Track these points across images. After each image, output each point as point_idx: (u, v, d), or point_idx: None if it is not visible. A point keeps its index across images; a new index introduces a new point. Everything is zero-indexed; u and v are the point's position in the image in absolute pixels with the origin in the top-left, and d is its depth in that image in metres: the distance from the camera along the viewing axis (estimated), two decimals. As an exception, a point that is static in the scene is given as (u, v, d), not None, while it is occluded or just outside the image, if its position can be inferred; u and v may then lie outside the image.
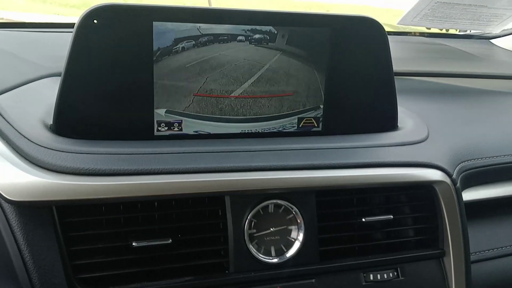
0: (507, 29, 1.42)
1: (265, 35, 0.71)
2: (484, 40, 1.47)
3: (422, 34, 1.45)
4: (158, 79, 0.68)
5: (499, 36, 1.44)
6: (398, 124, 0.82)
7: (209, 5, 1.40)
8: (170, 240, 0.63)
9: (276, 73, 0.73)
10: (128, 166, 0.62)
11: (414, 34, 1.46)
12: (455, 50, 1.33)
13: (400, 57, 1.22)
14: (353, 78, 0.76)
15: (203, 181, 0.63)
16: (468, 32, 1.51)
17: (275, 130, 0.75)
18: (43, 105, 0.71)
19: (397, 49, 1.28)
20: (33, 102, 0.74)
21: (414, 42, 1.39)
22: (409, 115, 0.87)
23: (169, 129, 0.70)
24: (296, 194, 0.68)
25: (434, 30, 1.45)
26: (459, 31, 1.52)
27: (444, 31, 1.52)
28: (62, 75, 0.64)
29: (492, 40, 1.46)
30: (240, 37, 0.71)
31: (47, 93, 0.73)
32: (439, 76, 1.19)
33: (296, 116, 0.76)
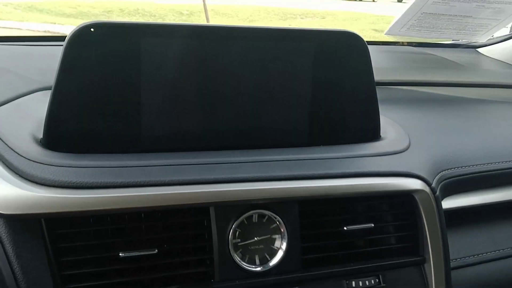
0: (493, 38, 1.45)
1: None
2: (471, 49, 1.49)
3: (410, 43, 1.48)
4: (146, 94, 0.70)
5: (486, 45, 1.47)
6: (380, 134, 0.84)
7: (206, 21, 1.42)
8: (156, 250, 0.65)
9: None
10: (115, 179, 0.64)
11: (402, 43, 1.49)
12: (441, 59, 1.36)
13: (387, 66, 1.25)
14: (336, 91, 0.79)
15: (188, 193, 0.65)
16: (455, 41, 1.53)
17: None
18: (34, 120, 0.73)
19: (385, 59, 1.31)
20: (24, 117, 0.76)
21: (402, 52, 1.41)
22: (392, 124, 0.89)
23: (156, 142, 0.72)
24: (280, 204, 0.70)
25: (422, 40, 1.48)
26: (452, 41, 1.55)
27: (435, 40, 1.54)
28: (52, 90, 0.66)
29: (479, 49, 1.48)
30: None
31: (38, 107, 0.75)
32: (424, 85, 1.21)
33: (281, 128, 0.78)
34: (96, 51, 0.67)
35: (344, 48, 0.78)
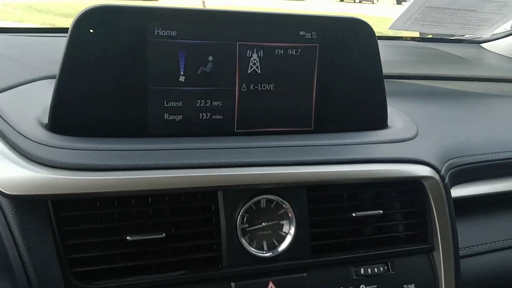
0: (497, 34, 1.45)
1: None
2: (474, 44, 1.49)
3: (413, 38, 1.48)
4: (152, 79, 0.69)
5: (489, 40, 1.47)
6: (388, 123, 0.84)
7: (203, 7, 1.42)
8: (164, 234, 0.64)
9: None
10: (122, 162, 0.63)
11: (406, 38, 1.48)
12: (445, 53, 1.35)
13: (392, 60, 1.24)
14: (344, 78, 0.78)
15: (196, 176, 0.65)
16: (459, 36, 1.53)
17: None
18: (39, 105, 0.72)
19: (389, 53, 1.31)
20: (29, 102, 0.75)
21: (406, 46, 1.41)
22: (399, 114, 0.89)
23: (163, 127, 0.71)
24: (288, 189, 0.70)
25: (425, 35, 1.47)
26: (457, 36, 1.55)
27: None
28: (58, 73, 0.65)
29: (482, 44, 1.48)
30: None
31: (43, 94, 0.75)
32: (429, 79, 1.21)
33: (288, 115, 0.77)
34: (101, 35, 0.66)
35: (351, 35, 0.77)
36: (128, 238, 0.63)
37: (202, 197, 0.67)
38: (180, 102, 0.72)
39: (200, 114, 0.73)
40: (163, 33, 0.69)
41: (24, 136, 0.64)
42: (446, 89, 1.18)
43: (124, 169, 0.62)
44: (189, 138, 0.71)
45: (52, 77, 0.80)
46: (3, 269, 0.59)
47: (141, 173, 0.63)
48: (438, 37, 1.53)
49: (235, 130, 0.75)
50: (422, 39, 1.47)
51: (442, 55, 1.35)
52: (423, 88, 1.17)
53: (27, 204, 0.60)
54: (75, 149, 0.63)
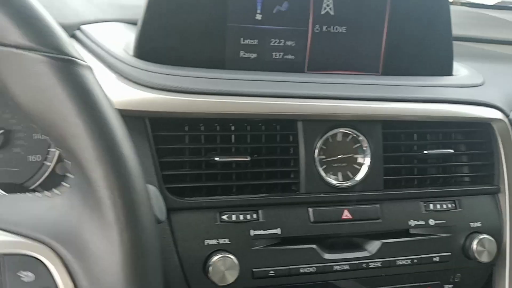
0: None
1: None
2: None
3: (464, 4, 1.46)
4: (231, 15, 0.72)
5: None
6: (453, 73, 0.85)
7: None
8: (249, 158, 0.67)
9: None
10: (210, 87, 0.66)
11: (456, 3, 1.47)
12: (500, 19, 1.34)
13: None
14: (413, 23, 0.80)
15: (278, 104, 0.67)
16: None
17: (338, 69, 0.79)
18: (121, 40, 0.75)
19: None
20: (111, 37, 0.78)
21: (458, 11, 1.40)
22: (463, 66, 0.90)
23: (238, 63, 0.74)
24: (364, 123, 0.72)
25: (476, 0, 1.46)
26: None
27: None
28: (144, 5, 0.68)
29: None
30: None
31: (120, 32, 0.78)
32: (486, 42, 1.20)
33: (358, 58, 0.79)
34: None
35: None
36: (216, 159, 0.66)
37: (281, 127, 0.70)
38: (256, 40, 0.74)
39: (273, 53, 0.76)
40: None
41: (121, 61, 0.67)
42: (506, 54, 1.17)
43: (212, 93, 0.65)
44: (268, 72, 0.73)
45: (124, 21, 0.83)
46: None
47: (226, 98, 0.65)
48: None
49: (305, 71, 0.77)
50: (472, 4, 1.46)
51: (494, 19, 1.34)
52: (482, 52, 1.16)
53: (128, 120, 0.63)
54: (166, 74, 0.66)
